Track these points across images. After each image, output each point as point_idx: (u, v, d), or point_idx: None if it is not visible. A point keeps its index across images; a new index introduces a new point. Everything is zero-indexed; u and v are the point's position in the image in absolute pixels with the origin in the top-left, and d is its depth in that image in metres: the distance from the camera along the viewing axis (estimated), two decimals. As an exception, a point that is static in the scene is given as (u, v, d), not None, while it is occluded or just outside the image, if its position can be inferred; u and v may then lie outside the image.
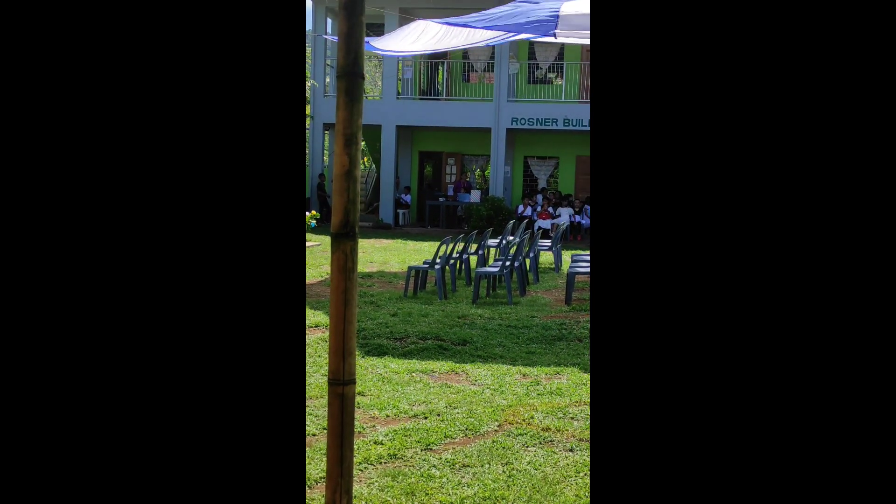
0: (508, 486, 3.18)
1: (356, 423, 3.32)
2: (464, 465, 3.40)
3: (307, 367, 4.91)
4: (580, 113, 16.87)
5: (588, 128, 16.74)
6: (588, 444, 3.68)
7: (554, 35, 7.48)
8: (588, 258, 9.37)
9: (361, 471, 3.31)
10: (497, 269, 8.21)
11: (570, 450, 3.62)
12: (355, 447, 2.57)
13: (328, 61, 18.11)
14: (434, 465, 3.39)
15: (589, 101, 17.28)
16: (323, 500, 2.37)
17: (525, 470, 3.35)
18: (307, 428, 3.78)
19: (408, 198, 18.95)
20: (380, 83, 19.99)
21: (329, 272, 2.26)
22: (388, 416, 4.11)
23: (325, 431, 2.78)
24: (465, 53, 18.37)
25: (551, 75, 18.57)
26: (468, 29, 8.82)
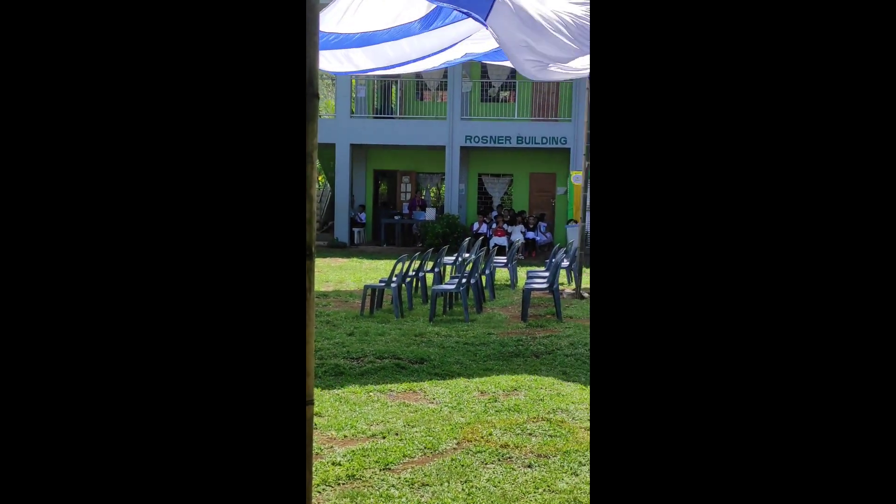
0: (468, 503, 3.18)
1: (314, 444, 3.29)
2: (423, 485, 3.39)
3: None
4: (533, 131, 17.07)
5: (540, 145, 16.96)
6: (546, 460, 3.70)
7: (485, 23, 7.41)
8: (543, 274, 9.46)
9: (319, 492, 3.28)
10: (453, 287, 8.22)
11: (529, 466, 3.63)
12: (313, 469, 2.54)
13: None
14: (393, 485, 3.37)
15: (541, 118, 17.51)
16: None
17: (484, 487, 3.36)
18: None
19: (363, 216, 18.90)
20: (333, 102, 19.95)
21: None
22: (345, 436, 4.08)
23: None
24: (418, 73, 18.46)
25: (504, 94, 18.76)
26: (413, 38, 8.77)
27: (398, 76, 18.14)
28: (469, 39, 8.88)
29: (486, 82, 18.47)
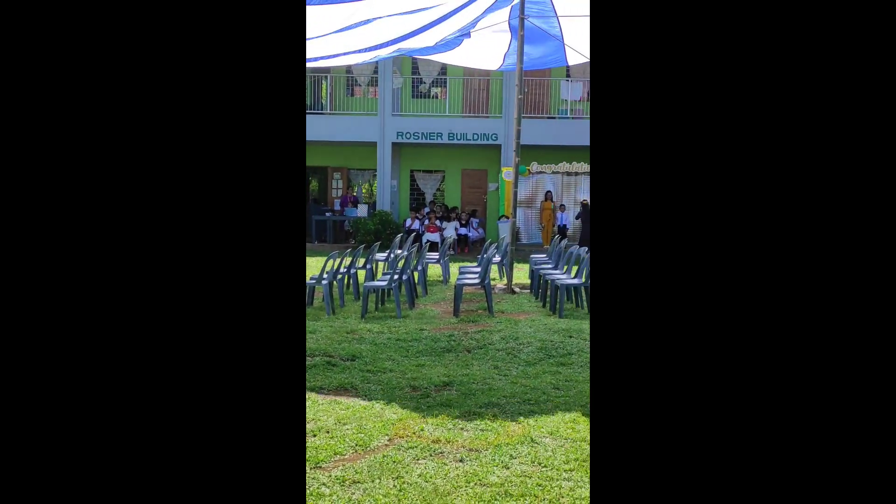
0: (399, 499, 3.17)
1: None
2: (354, 482, 3.36)
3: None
4: (464, 127, 17.14)
5: (472, 141, 17.03)
6: (477, 454, 3.72)
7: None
8: (475, 270, 9.51)
9: (248, 494, 3.21)
10: (385, 283, 8.19)
11: (461, 460, 3.64)
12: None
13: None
14: (324, 483, 3.34)
15: (472, 115, 17.58)
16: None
17: (416, 483, 3.35)
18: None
19: (293, 213, 18.63)
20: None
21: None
22: (275, 436, 4.01)
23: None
24: (348, 68, 18.31)
25: (435, 90, 18.77)
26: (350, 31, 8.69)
27: (328, 70, 17.95)
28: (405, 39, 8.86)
29: (417, 78, 18.46)
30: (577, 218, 16.09)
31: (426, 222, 16.66)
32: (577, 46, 10.24)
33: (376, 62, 16.68)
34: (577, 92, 17.72)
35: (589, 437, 3.97)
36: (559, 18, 9.53)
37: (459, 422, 4.25)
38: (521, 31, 9.36)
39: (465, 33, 9.69)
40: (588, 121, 17.36)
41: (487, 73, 17.34)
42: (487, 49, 10.47)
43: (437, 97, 18.70)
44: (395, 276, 8.19)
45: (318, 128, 17.71)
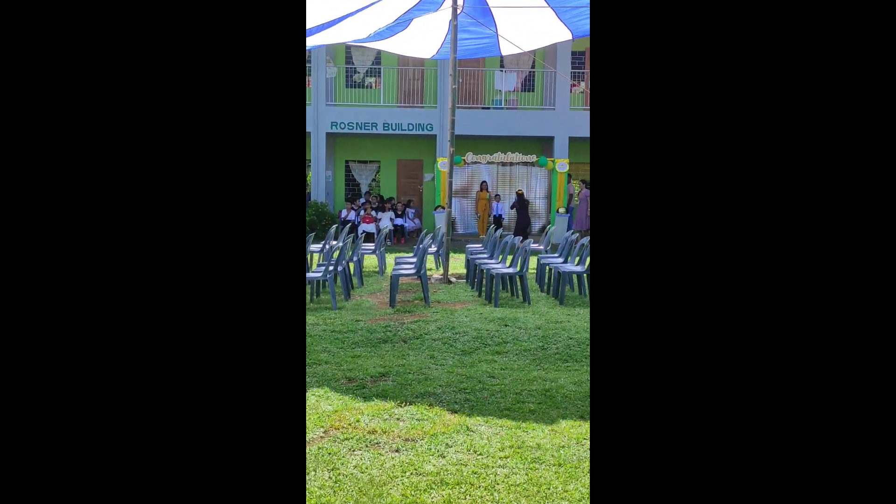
0: (335, 491, 3.15)
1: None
2: (289, 476, 3.32)
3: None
4: (399, 117, 17.07)
5: (407, 132, 16.99)
6: (413, 444, 3.72)
7: None
8: (410, 260, 9.50)
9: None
10: (320, 274, 8.12)
11: (397, 450, 3.64)
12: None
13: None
14: (258, 478, 3.29)
15: (407, 105, 17.52)
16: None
17: (351, 474, 3.34)
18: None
19: (226, 205, 18.29)
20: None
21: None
22: (207, 431, 3.93)
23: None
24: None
25: (370, 79, 18.64)
26: None
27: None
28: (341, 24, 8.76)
29: (351, 68, 18.29)
30: (511, 207, 16.22)
31: (362, 213, 16.56)
32: (511, 37, 10.31)
33: (309, 51, 16.46)
34: (510, 82, 17.85)
35: (523, 424, 4.02)
36: (492, 9, 9.57)
37: (395, 412, 4.24)
38: (454, 20, 9.36)
39: (401, 23, 9.66)
40: (521, 111, 17.52)
41: (422, 62, 17.30)
42: (423, 37, 10.45)
43: (371, 87, 18.58)
44: (331, 268, 8.12)
45: (250, 117, 17.37)
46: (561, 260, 9.48)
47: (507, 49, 10.89)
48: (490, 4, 9.46)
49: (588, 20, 9.76)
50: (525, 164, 16.73)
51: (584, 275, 8.68)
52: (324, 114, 17.01)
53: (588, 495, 3.11)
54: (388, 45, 10.64)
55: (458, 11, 9.32)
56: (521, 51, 10.91)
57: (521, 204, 15.78)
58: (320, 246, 10.84)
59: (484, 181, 16.73)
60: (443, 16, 9.78)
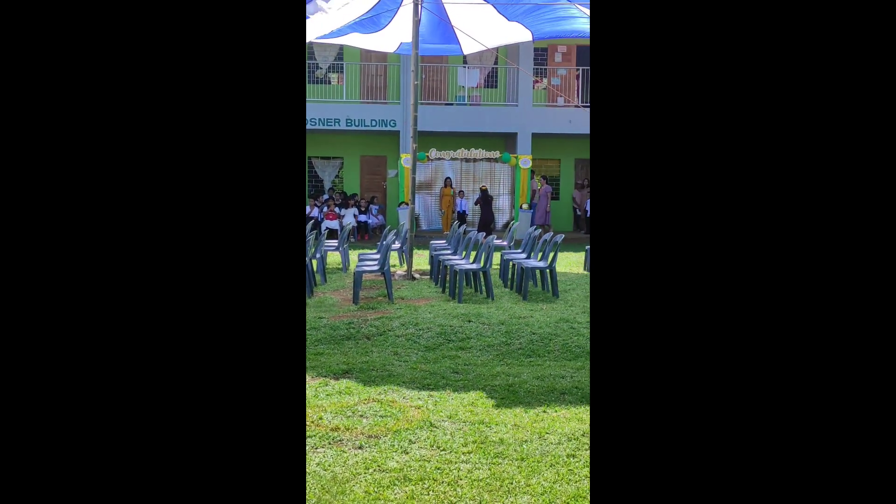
0: (297, 490, 3.14)
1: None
2: (250, 475, 3.30)
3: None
4: (362, 113, 16.99)
5: (370, 128, 16.91)
6: (376, 441, 3.72)
7: None
8: (374, 257, 9.47)
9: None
10: (283, 272, 8.05)
11: (360, 447, 3.63)
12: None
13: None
14: (219, 478, 3.26)
15: (370, 101, 17.44)
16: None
17: (314, 472, 3.32)
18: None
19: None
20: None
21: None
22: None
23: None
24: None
25: (332, 75, 18.52)
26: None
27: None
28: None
29: (313, 63, 18.16)
30: (476, 203, 16.26)
31: (325, 210, 16.46)
32: (472, 35, 10.34)
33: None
34: (473, 79, 17.86)
35: (486, 420, 4.03)
36: (447, 6, 9.62)
37: (358, 409, 4.23)
38: (415, 16, 9.35)
39: (366, 23, 9.64)
40: (484, 107, 17.55)
41: (384, 58, 17.24)
42: (386, 32, 10.43)
43: (329, 82, 18.45)
44: (293, 265, 8.05)
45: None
46: (524, 256, 9.52)
47: (469, 48, 10.91)
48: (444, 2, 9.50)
49: (553, 23, 9.86)
50: (488, 160, 16.77)
51: (547, 270, 8.73)
52: (286, 110, 16.84)
53: (550, 489, 3.14)
54: (351, 40, 10.60)
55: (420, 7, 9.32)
56: (483, 48, 10.95)
57: (486, 200, 15.82)
58: (283, 243, 10.74)
59: (448, 177, 16.73)
60: (405, 11, 9.77)
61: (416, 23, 9.38)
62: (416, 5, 9.26)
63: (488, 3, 9.39)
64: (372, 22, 9.71)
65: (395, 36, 10.58)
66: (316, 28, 9.29)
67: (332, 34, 9.78)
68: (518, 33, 10.27)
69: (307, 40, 10.60)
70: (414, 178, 10.11)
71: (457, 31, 10.36)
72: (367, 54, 16.63)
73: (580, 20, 9.49)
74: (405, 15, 9.88)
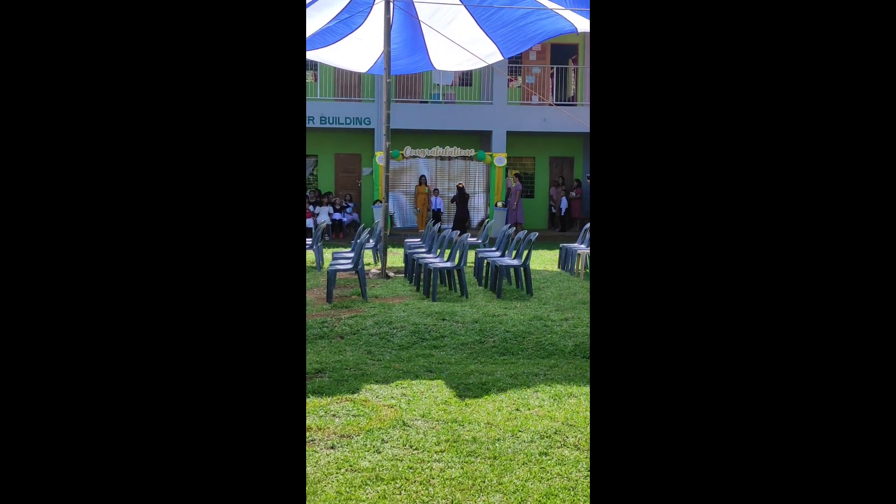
0: (268, 491, 3.11)
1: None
2: (221, 476, 3.27)
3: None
4: (336, 111, 16.92)
5: (344, 125, 16.84)
6: (349, 440, 3.70)
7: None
8: (348, 255, 9.44)
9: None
10: (255, 271, 7.99)
11: (332, 447, 3.62)
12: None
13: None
14: (188, 480, 3.22)
15: (344, 98, 17.37)
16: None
17: (285, 473, 3.29)
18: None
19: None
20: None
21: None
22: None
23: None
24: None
25: (307, 73, 18.42)
26: None
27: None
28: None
29: (288, 60, 18.03)
30: (452, 201, 16.26)
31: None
32: (442, 57, 10.42)
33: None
34: (448, 77, 17.86)
35: (459, 418, 4.03)
36: (422, 26, 9.63)
37: (331, 408, 4.21)
38: (386, 13, 9.30)
39: (334, 32, 9.60)
40: (459, 105, 17.55)
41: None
42: (357, 52, 10.40)
43: (306, 80, 18.34)
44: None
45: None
46: (498, 254, 9.54)
47: (440, 65, 10.92)
48: (420, 18, 9.49)
49: (519, 41, 9.90)
50: (463, 158, 16.78)
51: (521, 268, 8.76)
52: (259, 107, 16.72)
53: (522, 487, 3.14)
54: (323, 57, 10.56)
55: (391, 25, 9.28)
56: (454, 70, 11.03)
57: (462, 197, 15.83)
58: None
59: (423, 175, 16.72)
60: (377, 32, 9.74)
61: (388, 24, 9.34)
62: (386, 22, 9.22)
63: (469, 13, 9.40)
64: (345, 25, 9.66)
65: (366, 53, 10.56)
66: None
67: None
68: (491, 53, 10.34)
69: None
70: (387, 177, 10.08)
71: (428, 46, 10.37)
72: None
73: (549, 20, 9.50)
74: (375, 21, 9.85)
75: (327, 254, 11.40)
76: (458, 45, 9.83)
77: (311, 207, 16.38)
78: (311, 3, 8.43)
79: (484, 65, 10.92)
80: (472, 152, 16.74)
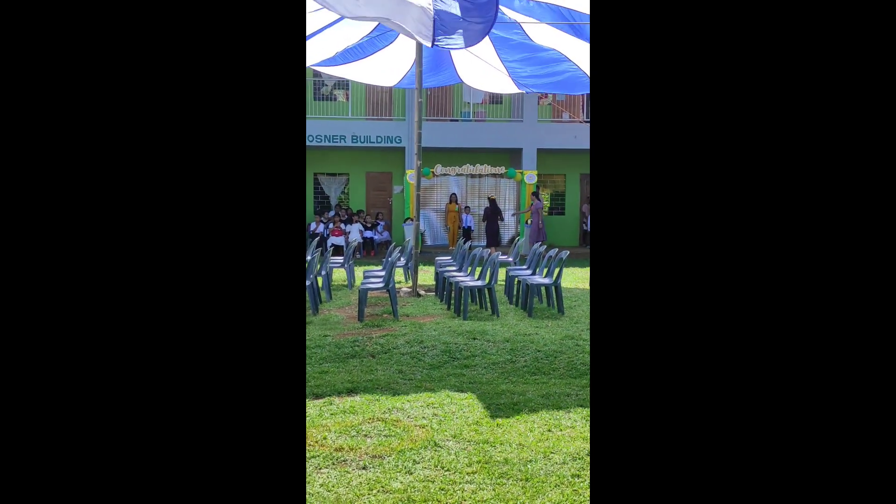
0: (301, 511, 3.12)
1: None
2: (254, 496, 3.29)
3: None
4: (367, 130, 17.06)
5: (375, 144, 16.96)
6: (381, 461, 3.70)
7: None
8: (379, 274, 9.48)
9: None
10: (288, 289, 8.06)
11: (364, 468, 3.62)
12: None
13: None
14: (222, 499, 3.25)
15: (375, 118, 17.51)
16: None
17: (317, 493, 3.31)
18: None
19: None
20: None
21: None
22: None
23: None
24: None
25: (337, 92, 18.61)
26: None
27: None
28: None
29: (319, 80, 18.25)
30: (483, 219, 16.27)
31: (331, 226, 16.49)
32: (469, 78, 10.55)
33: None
34: (478, 94, 17.93)
35: (491, 439, 4.02)
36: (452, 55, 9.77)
37: (363, 428, 4.22)
38: (418, 56, 9.37)
39: (363, 49, 9.69)
40: (489, 123, 17.60)
41: (390, 75, 17.32)
42: (386, 66, 10.50)
43: (335, 99, 18.54)
44: (298, 282, 8.07)
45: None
46: (529, 272, 9.52)
47: (467, 79, 11.00)
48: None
49: (537, 83, 10.03)
50: (494, 175, 16.81)
51: (552, 287, 8.72)
52: (292, 126, 16.91)
53: (554, 510, 3.12)
54: (351, 73, 10.66)
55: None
56: (481, 90, 11.13)
57: (493, 210, 15.85)
58: (288, 260, 10.75)
59: (453, 193, 16.76)
60: (407, 46, 9.82)
61: (419, 46, 9.41)
62: (418, 44, 9.33)
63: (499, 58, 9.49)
64: (375, 42, 9.76)
65: (395, 68, 10.66)
66: (315, 53, 9.34)
67: (331, 61, 9.82)
68: (507, 85, 10.49)
69: (307, 65, 10.67)
70: (418, 195, 10.13)
71: (456, 64, 10.47)
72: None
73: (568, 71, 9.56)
74: (407, 49, 9.94)
75: (359, 272, 11.47)
76: (485, 61, 9.89)
77: (342, 225, 16.50)
78: (339, 20, 8.52)
79: (511, 92, 11.01)
80: (502, 170, 16.76)
